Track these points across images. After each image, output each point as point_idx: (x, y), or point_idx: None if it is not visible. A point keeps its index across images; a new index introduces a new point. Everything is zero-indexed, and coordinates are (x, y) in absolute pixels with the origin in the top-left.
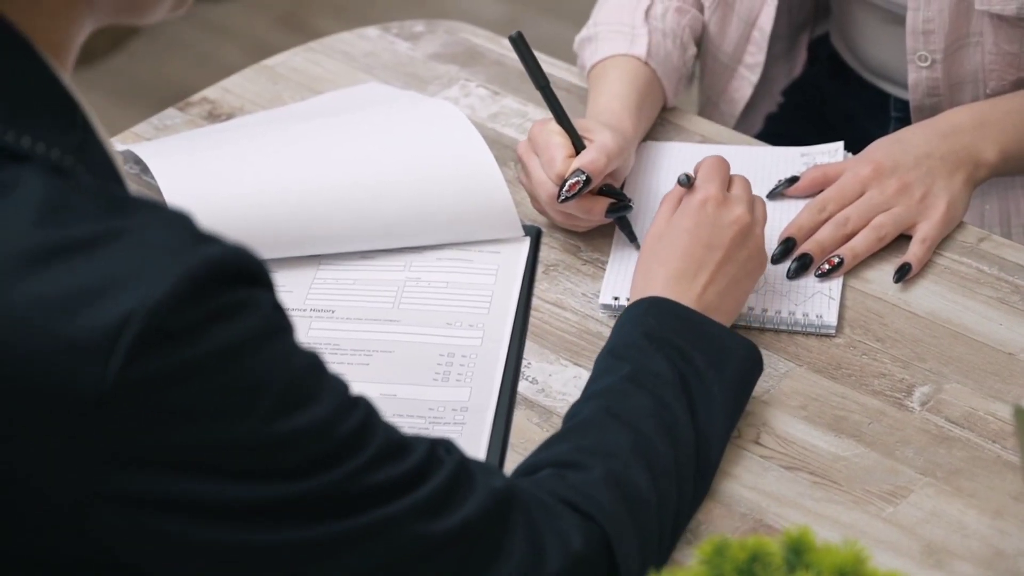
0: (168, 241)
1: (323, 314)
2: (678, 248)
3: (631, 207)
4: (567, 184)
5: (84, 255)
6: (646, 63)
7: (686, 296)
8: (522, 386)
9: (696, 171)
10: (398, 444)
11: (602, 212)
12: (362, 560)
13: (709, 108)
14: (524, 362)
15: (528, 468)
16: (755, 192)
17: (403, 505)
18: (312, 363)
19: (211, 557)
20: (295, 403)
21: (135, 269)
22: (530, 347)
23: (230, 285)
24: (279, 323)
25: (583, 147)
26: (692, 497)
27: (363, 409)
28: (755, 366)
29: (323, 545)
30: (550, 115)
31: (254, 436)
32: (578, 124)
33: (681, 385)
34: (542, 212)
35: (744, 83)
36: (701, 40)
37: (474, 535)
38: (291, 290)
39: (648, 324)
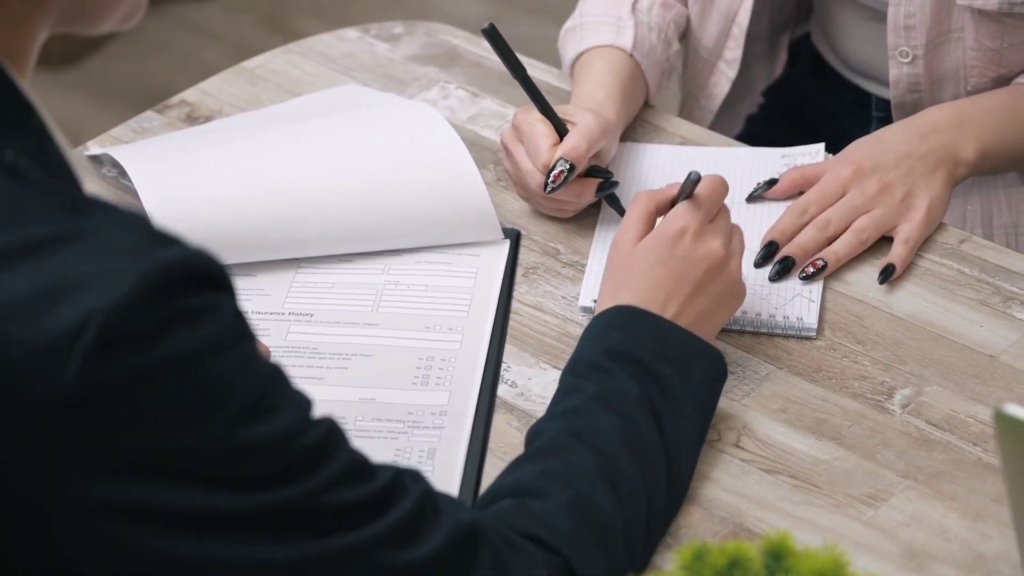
0: (126, 243)
1: (302, 318)
2: (649, 278)
3: (617, 183)
4: (552, 175)
5: (41, 257)
6: (631, 55)
7: None
8: (501, 390)
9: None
10: (362, 466)
11: (591, 193)
12: None
13: (689, 103)
14: (504, 366)
15: (491, 496)
16: (735, 193)
17: (368, 532)
18: (275, 374)
19: (166, 568)
20: (257, 412)
21: (93, 272)
22: (509, 350)
23: (190, 288)
24: (241, 330)
25: (566, 132)
26: (663, 515)
27: (327, 426)
28: (721, 375)
29: (286, 566)
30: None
31: (214, 443)
32: (560, 110)
33: (647, 403)
34: (528, 200)
35: (722, 78)
36: (685, 35)
37: (441, 567)
38: (269, 294)
39: (612, 339)
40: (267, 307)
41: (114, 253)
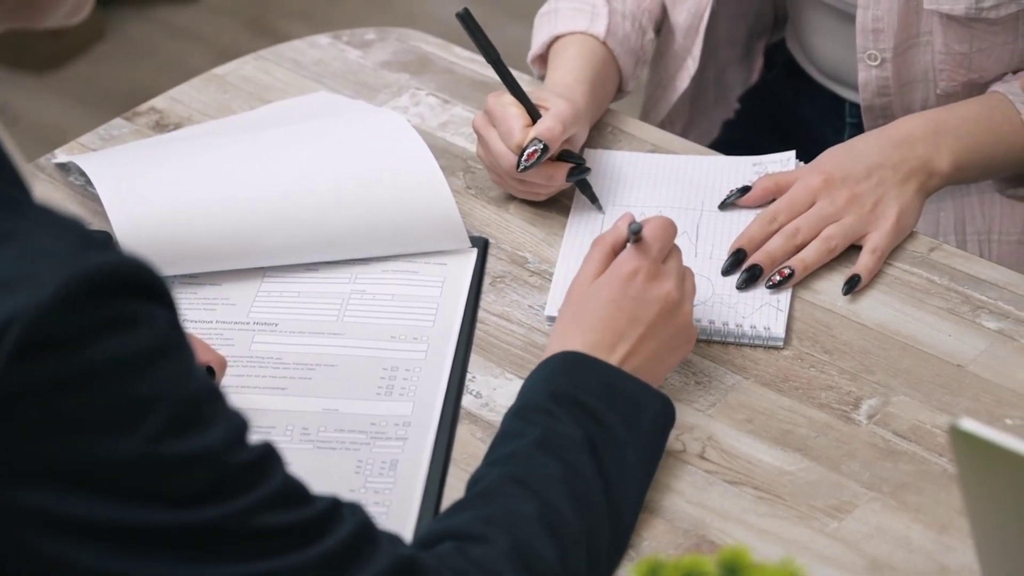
0: (56, 246)
1: (266, 328)
2: (600, 318)
3: (589, 169)
4: (525, 153)
5: None
6: (604, 42)
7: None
8: (466, 400)
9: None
10: (296, 492)
11: (563, 177)
12: None
13: (657, 92)
14: (468, 376)
15: (429, 538)
16: (707, 200)
17: (299, 558)
18: (208, 389)
19: None
20: (186, 426)
21: (19, 274)
22: (475, 360)
23: (121, 295)
24: (174, 342)
25: (539, 116)
26: (606, 564)
27: (262, 449)
28: (668, 422)
29: None
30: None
31: (137, 455)
32: (532, 94)
33: (591, 449)
34: (502, 184)
35: (686, 73)
36: (661, 26)
37: None
38: (235, 303)
39: (559, 383)
40: (232, 316)
41: (43, 256)
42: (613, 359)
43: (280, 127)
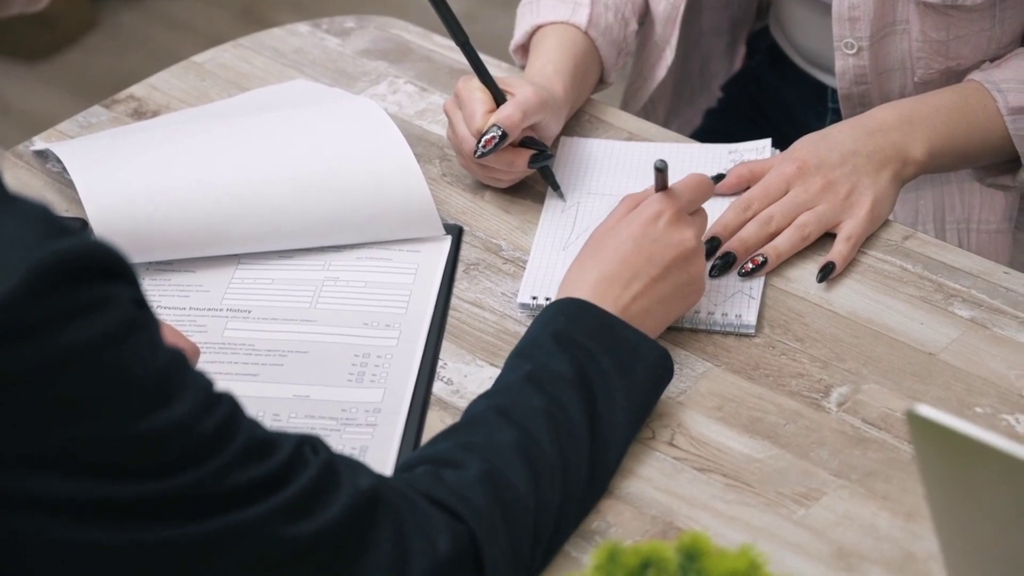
0: (18, 235)
1: (239, 314)
2: (618, 253)
3: (552, 156)
4: (483, 139)
5: None
6: (586, 33)
7: (612, 302)
8: (437, 387)
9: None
10: (261, 442)
11: (524, 164)
12: (222, 562)
13: (639, 81)
14: (440, 362)
15: (408, 463)
16: None
17: (265, 507)
18: (175, 360)
19: (69, 558)
20: (156, 401)
21: None
22: (447, 347)
23: (84, 280)
24: (139, 320)
25: (504, 102)
26: (581, 500)
27: (226, 406)
28: (666, 373)
29: (183, 546)
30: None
31: (114, 434)
32: (501, 80)
33: (581, 386)
34: (466, 168)
35: (664, 63)
36: (644, 18)
37: (337, 538)
38: (208, 290)
39: (559, 323)
40: (205, 303)
41: (5, 245)
42: (626, 295)
43: (257, 115)
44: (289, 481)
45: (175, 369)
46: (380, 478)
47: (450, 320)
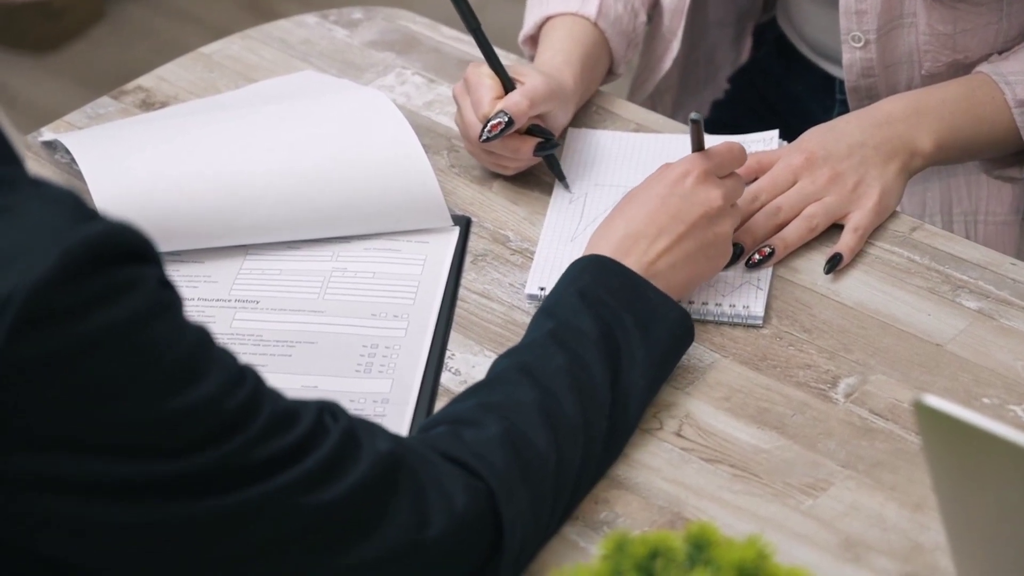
0: (49, 220)
1: (248, 305)
2: (644, 210)
3: (557, 144)
4: (489, 124)
5: None
6: (595, 24)
7: (637, 257)
8: (445, 377)
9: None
10: (284, 414)
11: (529, 152)
12: (251, 532)
13: (646, 73)
14: (448, 353)
15: (430, 423)
16: None
17: (289, 477)
18: (200, 338)
19: (107, 536)
20: (184, 380)
21: (15, 249)
22: (455, 338)
23: (114, 263)
24: (166, 300)
25: (513, 89)
26: (600, 459)
27: (251, 381)
28: (686, 334)
29: (208, 521)
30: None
31: (145, 414)
32: (510, 68)
33: (604, 344)
34: (472, 154)
35: (670, 55)
36: (653, 10)
37: (358, 502)
38: (217, 280)
39: (583, 281)
40: (214, 294)
41: (37, 230)
42: (652, 251)
43: (265, 106)
44: (311, 450)
45: (202, 347)
46: (398, 439)
47: (458, 311)
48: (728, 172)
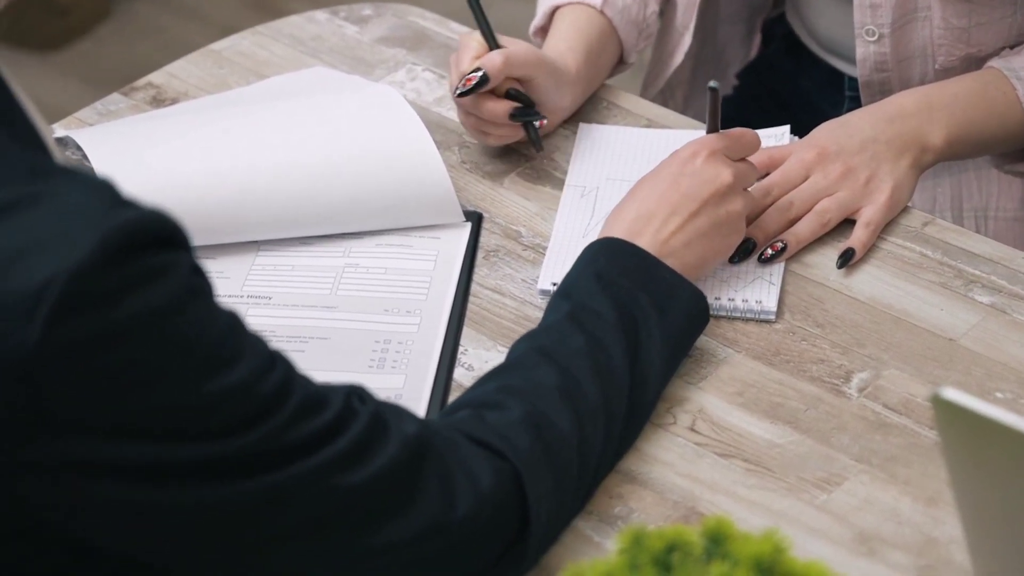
0: (87, 205)
1: (260, 301)
2: (655, 190)
3: (539, 115)
4: (464, 78)
5: (3, 220)
6: (601, 12)
7: (650, 237)
8: (458, 372)
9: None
10: (315, 398)
11: (502, 115)
12: (282, 514)
13: (658, 67)
14: (461, 348)
15: (452, 407)
16: None
17: (320, 459)
18: (233, 323)
19: (142, 519)
20: (218, 364)
21: (55, 233)
22: (467, 333)
23: (150, 248)
24: (199, 285)
25: None
26: (620, 439)
27: (282, 366)
28: (701, 314)
29: (241, 503)
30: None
31: (180, 398)
32: (505, 40)
33: (621, 325)
34: (462, 123)
35: (682, 49)
36: (665, 4)
37: (388, 484)
38: (229, 276)
39: (599, 264)
40: (226, 290)
41: (75, 215)
42: (664, 230)
43: (276, 102)
44: (342, 432)
45: (234, 332)
46: (424, 422)
47: (470, 306)
48: (740, 156)
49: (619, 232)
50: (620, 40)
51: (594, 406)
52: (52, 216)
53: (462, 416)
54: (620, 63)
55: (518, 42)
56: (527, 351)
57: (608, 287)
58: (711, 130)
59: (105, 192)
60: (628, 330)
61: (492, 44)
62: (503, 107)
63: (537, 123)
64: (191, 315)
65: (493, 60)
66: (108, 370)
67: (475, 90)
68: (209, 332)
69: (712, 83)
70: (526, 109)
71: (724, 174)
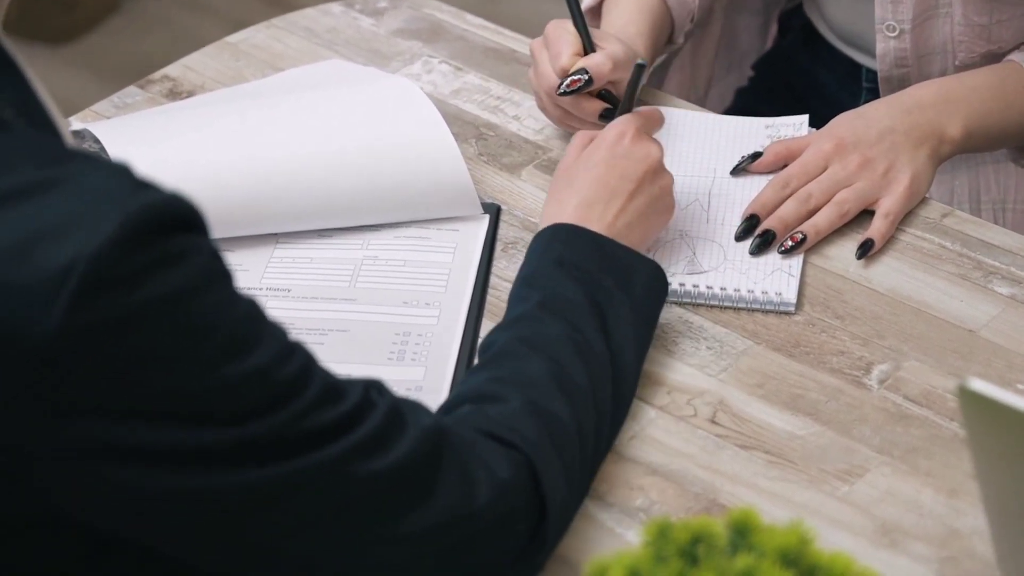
0: (107, 188)
1: (279, 293)
2: (591, 176)
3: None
4: (569, 79)
5: (24, 203)
6: None
7: (597, 222)
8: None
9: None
10: (334, 388)
11: (595, 114)
12: (301, 502)
13: (681, 57)
14: (480, 340)
15: (449, 404)
16: (718, 165)
17: (340, 447)
18: (252, 310)
19: (159, 505)
20: (238, 349)
21: (76, 216)
22: (487, 325)
23: (171, 231)
24: (219, 270)
25: (593, 51)
26: (613, 418)
27: (302, 355)
28: (660, 285)
29: (263, 488)
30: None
31: (199, 382)
32: (594, 33)
33: (592, 308)
34: (542, 108)
35: (711, 37)
36: None
37: (407, 474)
38: (247, 269)
39: (557, 250)
40: (245, 282)
41: (95, 198)
42: (608, 214)
43: (292, 94)
44: (361, 421)
45: (254, 318)
46: (439, 417)
47: (489, 299)
48: (653, 132)
49: (565, 219)
50: (673, 21)
51: (584, 391)
52: (72, 199)
53: (466, 411)
54: (668, 43)
55: (613, 41)
56: (509, 342)
57: (571, 272)
58: (626, 109)
59: (124, 175)
60: (598, 312)
61: (587, 40)
62: (596, 107)
63: None
64: (211, 299)
65: (602, 65)
66: (128, 353)
67: (578, 92)
68: (228, 317)
69: (639, 60)
70: (615, 111)
71: (653, 150)
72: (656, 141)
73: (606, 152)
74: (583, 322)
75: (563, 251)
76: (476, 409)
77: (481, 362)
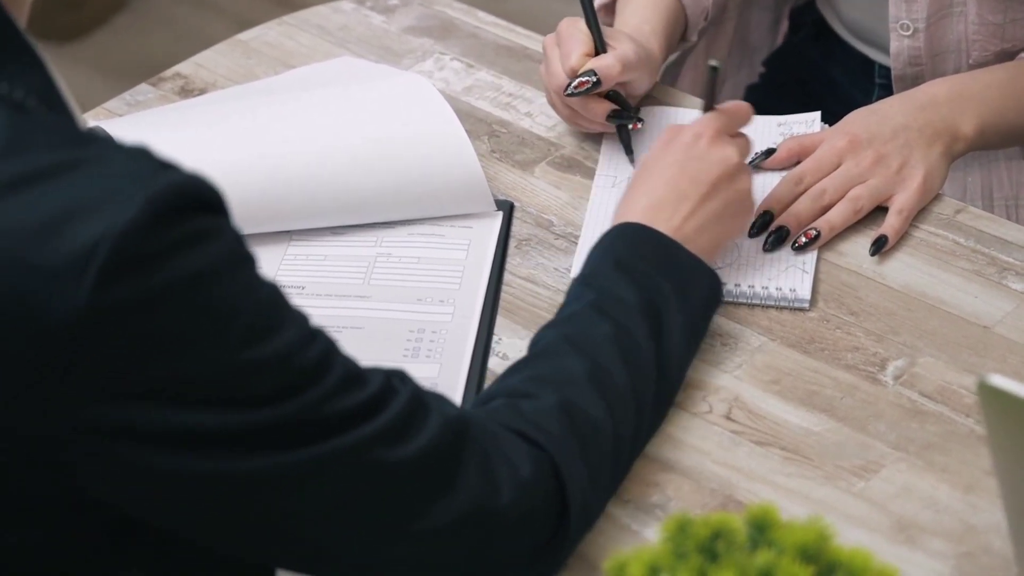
0: (131, 168)
1: (293, 290)
2: (663, 177)
3: (633, 118)
4: (577, 80)
5: (49, 183)
6: None
7: (664, 224)
8: (492, 362)
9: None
10: (356, 374)
11: (602, 115)
12: (321, 488)
13: (693, 55)
14: (495, 337)
15: (484, 398)
16: None
17: (362, 433)
18: (274, 294)
19: (179, 487)
20: (261, 332)
21: (101, 195)
22: (501, 322)
23: (195, 211)
24: (242, 253)
25: (604, 52)
26: (650, 422)
27: (323, 340)
28: (716, 297)
29: (283, 473)
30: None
31: (222, 364)
32: (606, 32)
33: (645, 311)
34: (553, 106)
35: (724, 34)
36: None
37: (430, 463)
38: (261, 266)
39: (617, 250)
40: None
41: (120, 177)
42: (676, 217)
43: (305, 92)
44: (383, 408)
45: (276, 302)
46: (464, 409)
47: (504, 295)
48: (736, 130)
49: (633, 219)
50: (687, 18)
51: (623, 393)
52: (97, 179)
53: (496, 405)
54: (681, 40)
55: (624, 41)
56: (554, 340)
57: (629, 273)
58: (707, 108)
59: (146, 156)
60: (652, 315)
61: (599, 40)
62: (603, 108)
63: (631, 126)
64: (237, 280)
65: (610, 68)
66: (152, 332)
67: (586, 93)
68: (251, 299)
69: (712, 61)
70: (623, 112)
71: (730, 153)
72: (737, 141)
73: (681, 154)
74: (633, 323)
75: (623, 251)
76: (508, 404)
77: (524, 358)
